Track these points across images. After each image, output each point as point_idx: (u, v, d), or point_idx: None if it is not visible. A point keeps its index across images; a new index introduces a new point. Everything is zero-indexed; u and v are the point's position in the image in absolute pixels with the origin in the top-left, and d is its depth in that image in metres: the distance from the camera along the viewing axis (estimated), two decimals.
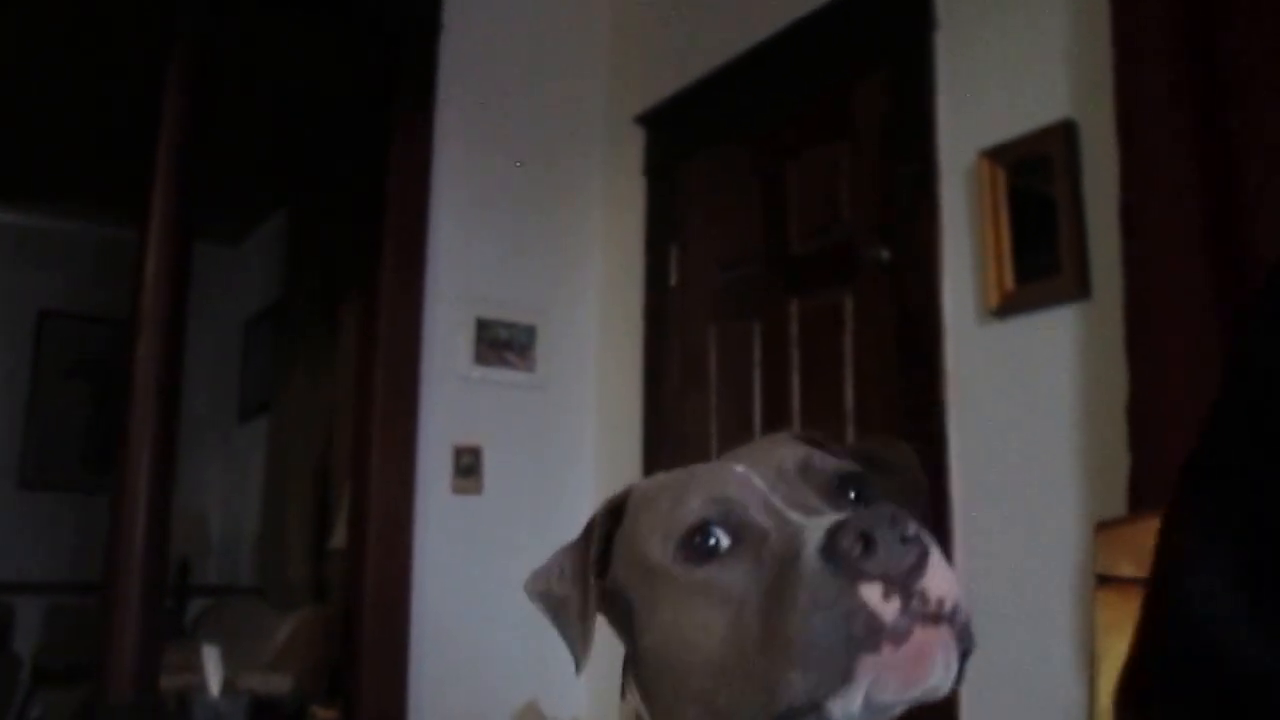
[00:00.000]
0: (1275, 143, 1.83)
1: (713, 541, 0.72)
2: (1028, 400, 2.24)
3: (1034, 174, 2.25)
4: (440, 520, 3.18)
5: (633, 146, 3.46)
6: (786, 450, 0.79)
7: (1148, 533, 1.18)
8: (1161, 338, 1.93)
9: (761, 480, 0.75)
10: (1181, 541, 0.68)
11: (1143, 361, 1.95)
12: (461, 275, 3.30)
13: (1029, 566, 2.18)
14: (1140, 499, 1.91)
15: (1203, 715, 0.65)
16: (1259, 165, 1.83)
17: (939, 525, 2.33)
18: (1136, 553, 1.17)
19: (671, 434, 3.19)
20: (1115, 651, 1.09)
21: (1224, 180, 1.88)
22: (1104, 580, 1.21)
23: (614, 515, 0.83)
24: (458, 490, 3.22)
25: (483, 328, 3.30)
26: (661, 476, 0.83)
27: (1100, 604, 1.19)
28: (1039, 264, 2.22)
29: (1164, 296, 1.93)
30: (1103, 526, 1.27)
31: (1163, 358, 1.92)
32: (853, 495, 0.76)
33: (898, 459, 0.86)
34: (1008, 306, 2.28)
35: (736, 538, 0.72)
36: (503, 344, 3.32)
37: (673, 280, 3.26)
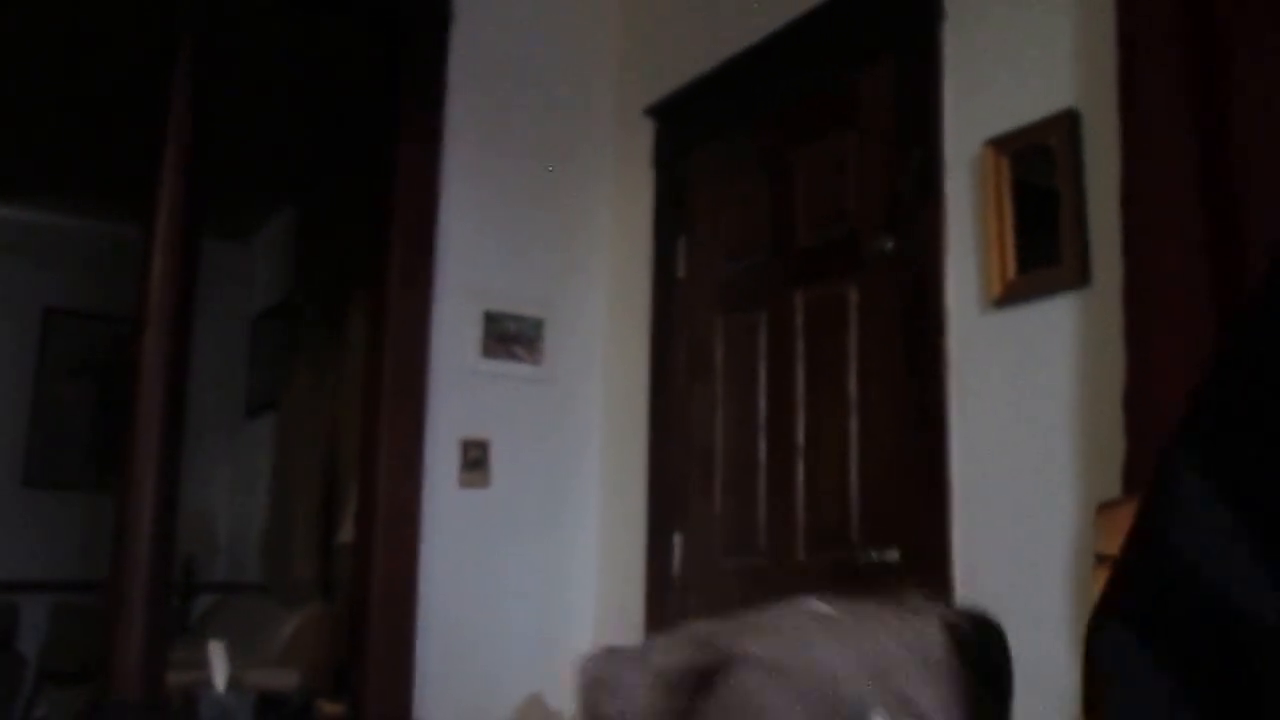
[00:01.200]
0: (1278, 137, 1.84)
1: None
2: (1027, 387, 2.26)
3: (1037, 163, 2.26)
4: (448, 514, 3.19)
5: (642, 138, 3.47)
6: None
7: None
8: (1159, 327, 1.94)
9: None
10: (1168, 477, 0.69)
11: (1140, 350, 1.96)
12: (470, 269, 3.31)
13: (1027, 551, 2.19)
14: (1135, 485, 1.92)
15: (1176, 633, 0.65)
16: (1261, 159, 1.84)
17: (938, 510, 2.34)
18: None
19: (678, 425, 3.20)
20: None
21: (1225, 171, 1.89)
22: (1103, 560, 1.22)
23: (704, 676, 0.66)
24: (465, 484, 3.23)
25: (490, 321, 3.30)
26: (777, 678, 0.64)
27: (1099, 584, 1.19)
28: (1041, 253, 2.24)
29: (1163, 286, 1.95)
30: (1103, 507, 1.28)
31: (1160, 346, 1.93)
32: None
33: (982, 646, 0.71)
34: (1009, 295, 2.29)
35: None
36: (510, 337, 3.33)
37: (680, 272, 3.28)
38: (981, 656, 0.66)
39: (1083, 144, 2.18)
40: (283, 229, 6.12)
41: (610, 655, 0.70)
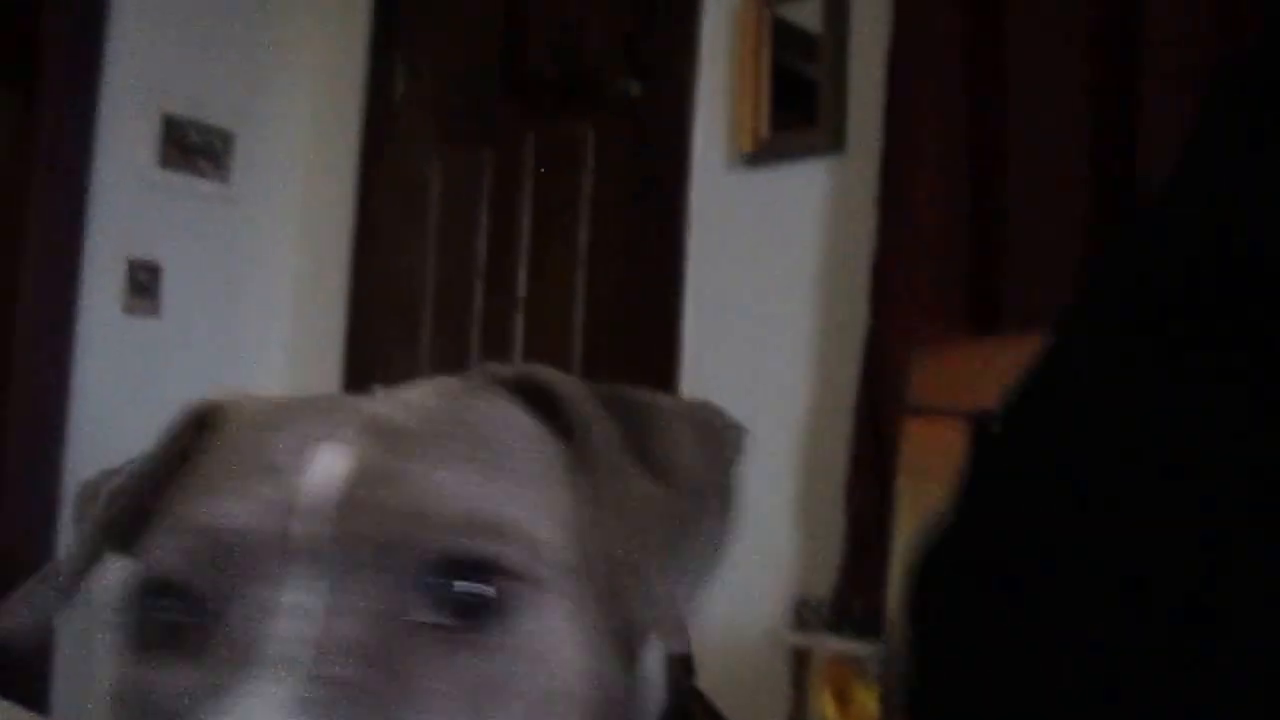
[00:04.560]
0: (1040, 20, 1.79)
1: (167, 614, 0.43)
2: (771, 252, 2.16)
3: (800, 16, 2.13)
4: (108, 342, 2.81)
5: None
6: (403, 479, 0.43)
7: (975, 362, 1.11)
8: (914, 200, 1.89)
9: (319, 529, 0.42)
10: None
11: (892, 221, 1.92)
12: (148, 64, 2.84)
13: (754, 423, 2.12)
14: (875, 361, 1.89)
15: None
16: (1024, 35, 1.79)
17: (665, 377, 2.23)
18: (954, 384, 1.08)
19: (383, 266, 2.92)
20: (922, 492, 1.00)
21: (992, 42, 1.83)
22: (921, 411, 1.10)
23: (199, 430, 0.51)
24: (130, 310, 2.85)
25: (171, 127, 2.87)
26: (264, 406, 0.51)
27: (910, 438, 1.08)
28: (796, 112, 2.13)
29: (921, 157, 1.89)
30: (924, 352, 1.17)
31: (913, 220, 1.89)
32: (467, 589, 0.43)
33: (682, 457, 0.50)
34: (760, 154, 2.17)
35: (202, 620, 0.42)
36: (194, 149, 2.91)
37: (397, 95, 2.95)
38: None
39: (850, 3, 2.06)
40: None
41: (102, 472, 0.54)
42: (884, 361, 1.84)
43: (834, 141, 2.07)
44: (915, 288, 1.85)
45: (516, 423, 0.49)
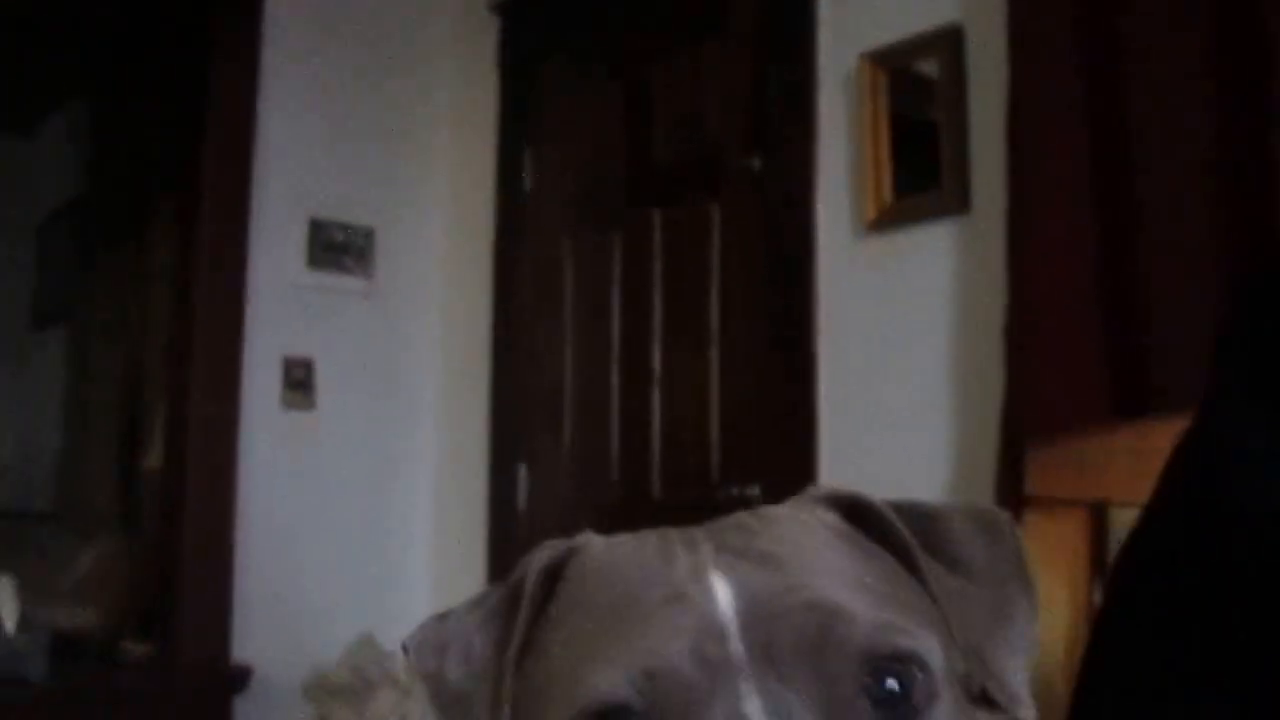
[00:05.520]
0: (1163, 69, 1.77)
1: None
2: (901, 317, 2.17)
3: (917, 81, 2.15)
4: (269, 438, 2.95)
5: (487, 38, 3.20)
6: (801, 591, 0.50)
7: (1094, 451, 1.11)
8: (1042, 257, 1.87)
9: (743, 645, 0.48)
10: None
11: (1022, 279, 1.90)
12: (294, 171, 3.02)
13: (898, 490, 2.11)
14: (1014, 422, 1.86)
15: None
16: (1151, 84, 1.78)
17: (804, 445, 2.25)
18: (1074, 473, 1.08)
19: (522, 350, 3.02)
20: (1046, 584, 1.00)
21: (1114, 96, 1.82)
22: (1032, 502, 1.10)
23: (550, 578, 0.58)
24: (288, 406, 2.99)
25: (317, 229, 3.03)
26: (619, 549, 0.58)
27: (1028, 530, 1.08)
28: (919, 176, 2.14)
29: (1047, 214, 1.88)
30: (1036, 443, 1.17)
31: (1043, 277, 1.87)
32: (893, 685, 0.49)
33: (978, 553, 0.59)
34: (884, 220, 2.19)
35: None
36: (339, 247, 3.07)
37: (527, 186, 3.06)
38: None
39: (967, 62, 2.08)
40: (73, 121, 5.57)
41: (458, 609, 0.61)
42: (1021, 438, 1.75)
43: (958, 203, 2.08)
44: (1050, 357, 1.81)
45: (853, 537, 0.57)
